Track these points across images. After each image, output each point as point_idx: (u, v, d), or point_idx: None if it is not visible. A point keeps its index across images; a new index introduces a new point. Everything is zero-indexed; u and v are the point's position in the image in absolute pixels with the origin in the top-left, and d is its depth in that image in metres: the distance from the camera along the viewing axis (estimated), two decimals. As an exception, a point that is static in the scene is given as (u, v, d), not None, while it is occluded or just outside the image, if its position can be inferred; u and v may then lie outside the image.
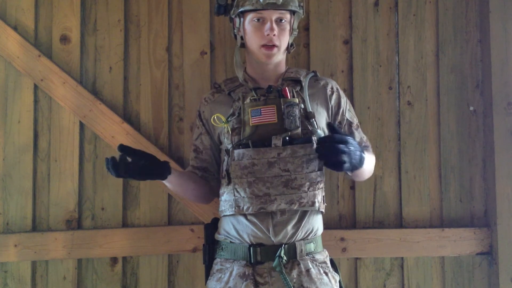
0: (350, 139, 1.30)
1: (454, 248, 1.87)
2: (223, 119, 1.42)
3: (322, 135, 1.41)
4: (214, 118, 1.44)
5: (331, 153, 1.27)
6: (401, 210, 1.91)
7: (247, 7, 1.42)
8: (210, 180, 1.55)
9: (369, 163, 1.49)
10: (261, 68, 1.51)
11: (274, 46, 1.43)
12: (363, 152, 1.36)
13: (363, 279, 1.89)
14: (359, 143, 1.51)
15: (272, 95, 1.42)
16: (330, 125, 1.38)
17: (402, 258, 1.90)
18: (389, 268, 1.90)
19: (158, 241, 1.86)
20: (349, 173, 1.42)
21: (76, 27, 1.94)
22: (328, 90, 1.52)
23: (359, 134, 1.57)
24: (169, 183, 1.44)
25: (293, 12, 1.46)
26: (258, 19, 1.43)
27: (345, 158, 1.27)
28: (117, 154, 1.85)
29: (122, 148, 1.30)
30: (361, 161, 1.34)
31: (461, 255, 1.89)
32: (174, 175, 1.42)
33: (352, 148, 1.29)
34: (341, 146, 1.27)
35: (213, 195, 1.58)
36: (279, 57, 1.49)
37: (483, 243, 1.88)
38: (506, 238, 1.85)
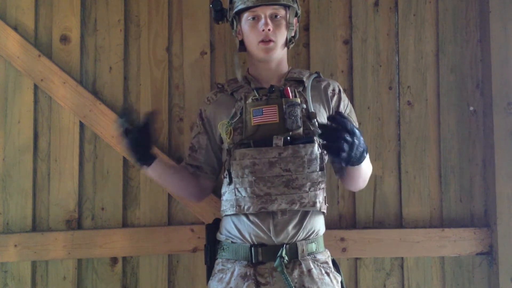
0: (357, 132, 1.22)
1: (454, 248, 1.87)
2: (227, 124, 1.43)
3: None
4: (221, 128, 1.44)
5: (335, 137, 1.18)
6: (401, 210, 1.91)
7: (240, 6, 1.45)
8: (201, 178, 1.56)
9: (367, 167, 1.45)
10: (263, 67, 1.52)
11: (270, 41, 1.44)
12: (366, 153, 1.30)
13: (363, 279, 1.89)
14: None
15: (274, 95, 1.42)
16: (340, 114, 1.25)
17: (402, 258, 1.89)
18: (389, 268, 1.90)
19: (158, 241, 1.86)
20: (344, 172, 1.43)
21: (76, 27, 1.94)
22: (329, 92, 1.52)
23: None
24: (153, 171, 1.45)
25: (287, 7, 1.47)
26: (253, 18, 1.45)
27: (346, 147, 1.18)
28: (116, 155, 1.89)
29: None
30: (361, 158, 1.27)
31: (461, 255, 1.88)
32: (159, 165, 1.44)
33: (356, 141, 1.21)
34: (346, 135, 1.19)
35: (203, 193, 1.60)
36: (278, 52, 1.49)
37: (483, 243, 1.88)
38: (506, 238, 1.84)
